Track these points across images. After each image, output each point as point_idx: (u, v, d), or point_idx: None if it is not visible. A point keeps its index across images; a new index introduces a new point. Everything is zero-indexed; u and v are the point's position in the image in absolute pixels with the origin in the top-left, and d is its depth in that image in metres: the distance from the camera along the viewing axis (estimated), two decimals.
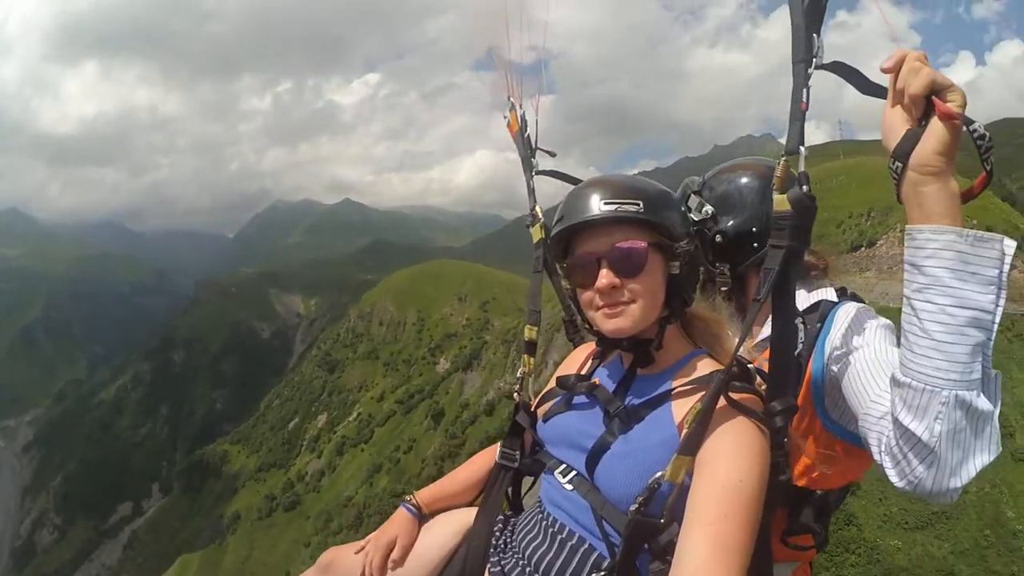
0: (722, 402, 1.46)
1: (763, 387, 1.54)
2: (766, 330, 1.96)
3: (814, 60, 1.43)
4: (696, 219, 2.20)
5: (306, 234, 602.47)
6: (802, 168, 1.46)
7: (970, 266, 1.28)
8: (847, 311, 1.88)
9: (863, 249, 71.05)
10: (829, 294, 2.05)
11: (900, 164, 1.35)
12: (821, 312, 1.91)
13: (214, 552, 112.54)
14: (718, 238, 2.22)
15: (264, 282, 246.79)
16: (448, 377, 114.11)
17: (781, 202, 1.45)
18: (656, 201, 1.61)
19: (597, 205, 1.59)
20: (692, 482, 1.42)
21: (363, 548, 2.03)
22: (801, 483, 1.85)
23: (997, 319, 1.29)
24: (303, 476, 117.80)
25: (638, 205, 1.58)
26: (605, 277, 1.59)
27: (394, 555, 1.96)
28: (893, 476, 1.40)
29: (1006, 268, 1.29)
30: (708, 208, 2.23)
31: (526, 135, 2.41)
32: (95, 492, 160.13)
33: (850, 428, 1.73)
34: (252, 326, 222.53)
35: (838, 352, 1.77)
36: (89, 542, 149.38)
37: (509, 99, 2.42)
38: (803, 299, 2.00)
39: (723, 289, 2.25)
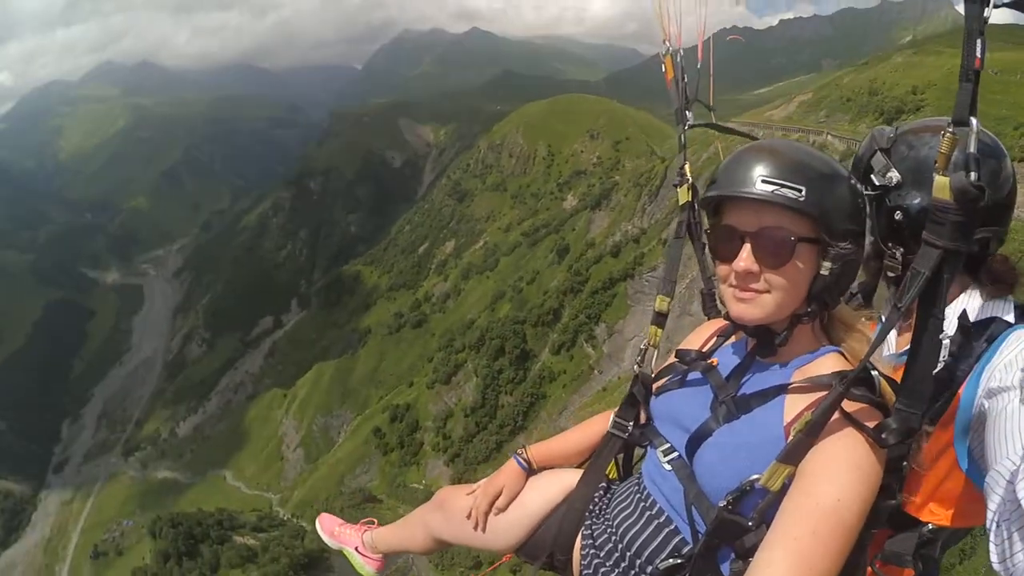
0: (837, 411, 1.36)
1: (890, 400, 1.42)
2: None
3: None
4: (877, 183, 1.85)
5: (434, 64, 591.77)
6: (972, 148, 1.18)
7: None
8: (1020, 337, 1.58)
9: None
10: (1006, 311, 1.71)
11: None
12: (991, 332, 1.62)
13: (346, 362, 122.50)
14: (898, 215, 1.81)
15: (395, 112, 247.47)
16: (575, 214, 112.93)
17: (942, 187, 1.21)
18: (822, 189, 1.45)
19: (755, 180, 1.46)
20: (788, 490, 1.35)
21: (473, 491, 2.13)
22: (912, 510, 1.66)
23: None
24: (430, 297, 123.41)
25: (800, 191, 1.43)
26: (744, 260, 1.50)
27: (499, 503, 2.05)
28: (993, 555, 1.20)
29: None
30: (894, 175, 1.81)
31: (683, 84, 2.20)
32: (239, 308, 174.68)
33: (981, 464, 1.50)
34: (384, 155, 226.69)
35: (994, 385, 1.49)
36: (234, 352, 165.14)
37: (665, 42, 2.20)
38: (974, 308, 1.73)
39: (889, 275, 1.88)
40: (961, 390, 1.55)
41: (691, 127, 2.24)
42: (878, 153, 1.85)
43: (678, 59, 2.19)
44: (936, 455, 1.56)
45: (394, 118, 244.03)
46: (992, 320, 1.65)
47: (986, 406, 1.48)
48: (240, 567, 67.73)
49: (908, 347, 1.35)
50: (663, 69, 2.23)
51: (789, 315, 1.54)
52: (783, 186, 1.43)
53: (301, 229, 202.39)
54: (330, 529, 2.79)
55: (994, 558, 1.15)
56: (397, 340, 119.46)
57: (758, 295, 1.51)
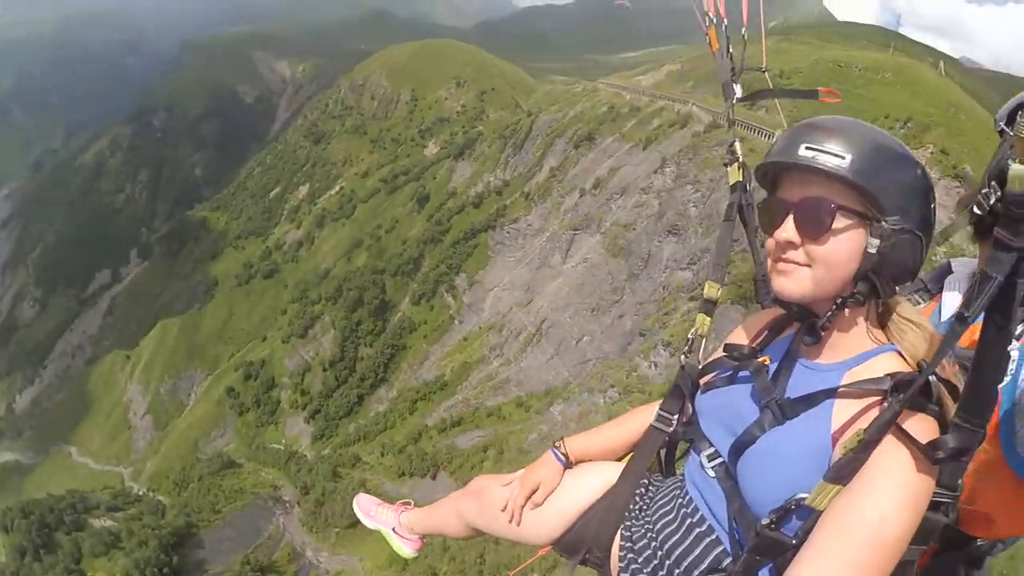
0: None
1: (949, 408, 1.33)
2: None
3: None
4: (1019, 122, 1.58)
5: None
6: None
7: None
8: None
9: None
10: None
11: None
12: None
13: (193, 317, 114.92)
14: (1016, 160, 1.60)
15: (250, 44, 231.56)
16: (437, 163, 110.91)
17: (1019, 178, 1.07)
18: (871, 158, 1.36)
19: (799, 147, 1.41)
20: (833, 501, 1.31)
21: (510, 483, 2.11)
22: (966, 527, 1.60)
23: None
24: (281, 245, 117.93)
25: (843, 159, 1.36)
26: (785, 230, 1.44)
27: (536, 497, 2.02)
28: None
29: None
30: None
31: (729, 55, 2.10)
32: (74, 262, 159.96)
33: None
34: (235, 90, 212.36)
35: None
36: (69, 312, 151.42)
37: (708, 13, 2.12)
38: None
39: (975, 211, 1.61)
40: (1000, 386, 1.39)
41: (739, 101, 2.10)
42: None
43: (723, 30, 2.07)
44: (981, 463, 1.45)
45: (249, 50, 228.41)
46: None
47: None
48: (105, 555, 62.14)
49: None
50: (708, 41, 2.12)
51: (832, 297, 1.44)
52: (826, 153, 1.37)
53: (141, 170, 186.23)
54: (367, 510, 2.72)
55: None
56: (247, 292, 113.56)
57: (798, 268, 1.44)
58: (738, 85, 2.11)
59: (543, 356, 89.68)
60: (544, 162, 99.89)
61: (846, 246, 1.39)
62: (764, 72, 2.21)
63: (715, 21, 2.12)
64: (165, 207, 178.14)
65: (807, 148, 1.39)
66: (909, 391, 1.27)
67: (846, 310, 1.46)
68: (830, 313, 1.45)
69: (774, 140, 1.47)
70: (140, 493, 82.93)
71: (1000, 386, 1.31)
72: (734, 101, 2.12)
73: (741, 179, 2.10)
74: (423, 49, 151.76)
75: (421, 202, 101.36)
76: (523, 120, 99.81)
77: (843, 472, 1.29)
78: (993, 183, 1.43)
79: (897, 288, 1.44)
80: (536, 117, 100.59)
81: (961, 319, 1.16)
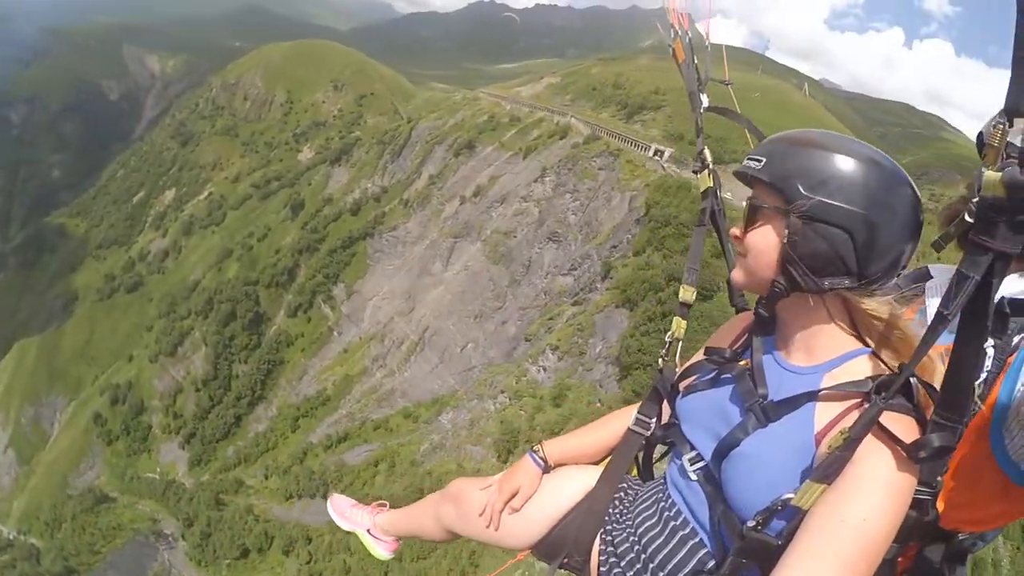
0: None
1: (928, 407, 1.35)
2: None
3: None
4: (1009, 138, 1.62)
5: None
6: None
7: None
8: None
9: None
10: None
11: None
12: None
13: (52, 336, 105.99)
14: (1009, 171, 1.60)
15: (121, 34, 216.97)
16: (312, 168, 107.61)
17: (993, 184, 1.09)
18: (782, 160, 1.49)
19: (745, 159, 1.59)
20: (816, 502, 1.33)
21: (488, 487, 2.11)
22: (947, 523, 1.60)
23: None
24: (145, 255, 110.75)
25: (760, 162, 1.52)
26: (735, 225, 1.61)
27: (514, 502, 2.02)
28: None
29: None
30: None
31: (694, 65, 2.19)
32: None
33: (1015, 457, 1.49)
34: (100, 85, 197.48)
35: None
36: None
37: (673, 26, 2.20)
38: (1015, 286, 1.62)
39: (967, 220, 1.67)
40: (999, 383, 1.46)
41: (706, 110, 2.19)
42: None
43: (687, 41, 2.16)
44: (962, 459, 1.49)
45: (117, 42, 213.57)
46: None
47: None
48: None
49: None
50: (672, 54, 2.22)
51: (767, 284, 1.54)
52: (752, 159, 1.54)
53: None
54: (341, 511, 2.72)
55: None
56: (110, 307, 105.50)
57: (740, 259, 1.59)
58: (704, 95, 2.16)
59: (427, 365, 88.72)
60: (423, 169, 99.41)
61: (765, 238, 1.50)
62: (728, 85, 2.30)
63: (680, 34, 2.16)
64: (20, 212, 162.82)
65: (749, 157, 1.56)
66: (891, 389, 1.30)
67: (810, 305, 1.51)
68: (765, 302, 1.57)
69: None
70: (11, 537, 74.04)
71: (979, 382, 1.38)
72: (702, 110, 2.18)
73: (712, 185, 2.16)
74: (300, 49, 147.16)
75: (295, 209, 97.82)
76: (402, 126, 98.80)
77: (828, 471, 1.31)
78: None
79: (826, 281, 1.45)
80: (416, 124, 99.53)
81: (941, 318, 1.19)
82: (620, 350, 67.09)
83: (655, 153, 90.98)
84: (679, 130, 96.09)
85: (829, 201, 1.40)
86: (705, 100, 2.21)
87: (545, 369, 71.55)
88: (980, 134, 1.75)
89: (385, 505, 2.73)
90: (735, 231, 1.58)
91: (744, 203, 1.57)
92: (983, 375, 1.35)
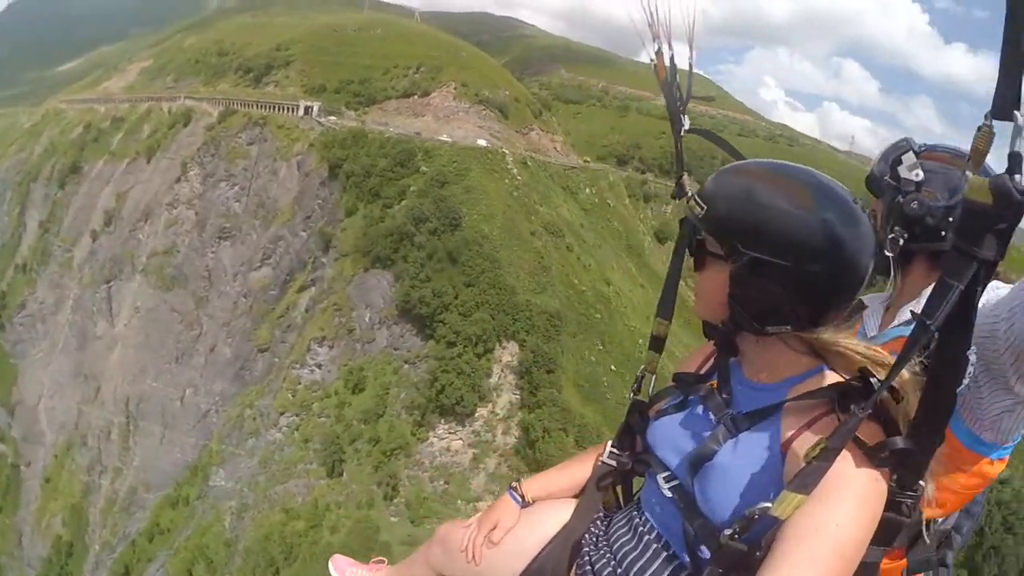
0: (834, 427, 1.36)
1: (892, 412, 1.38)
2: (902, 315, 2.00)
3: None
4: (903, 175, 2.07)
5: None
6: (1018, 146, 1.01)
7: None
8: (995, 284, 1.70)
9: (416, 97, 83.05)
10: None
11: None
12: None
13: None
14: (915, 205, 2.02)
15: None
16: None
17: (979, 189, 1.06)
18: (723, 208, 1.51)
19: (695, 193, 1.63)
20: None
21: (470, 525, 2.13)
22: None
23: None
24: None
25: (703, 209, 1.55)
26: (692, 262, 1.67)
27: (493, 536, 2.03)
28: (1014, 380, 1.33)
29: None
30: (919, 172, 2.03)
31: (675, 84, 2.05)
32: None
33: (978, 432, 1.66)
34: None
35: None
36: None
37: (655, 40, 2.06)
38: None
39: (887, 254, 2.04)
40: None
41: (687, 132, 2.05)
42: (911, 152, 1.96)
43: (669, 57, 2.03)
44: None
45: None
46: None
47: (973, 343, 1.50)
48: None
49: (893, 325, 1.46)
50: (654, 71, 2.07)
51: (719, 322, 1.60)
52: (698, 202, 1.56)
53: None
54: (342, 570, 2.72)
55: (1016, 384, 1.39)
56: None
57: (698, 294, 1.65)
58: (686, 116, 2.02)
59: (153, 440, 74.55)
60: (26, 218, 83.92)
61: (711, 282, 1.56)
62: (711, 100, 2.10)
63: (662, 51, 2.03)
64: None
65: (695, 196, 1.59)
66: (870, 400, 1.30)
67: (768, 340, 1.56)
68: (723, 335, 1.63)
69: None
70: None
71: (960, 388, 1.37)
72: (683, 132, 2.05)
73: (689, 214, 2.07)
74: None
75: None
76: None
77: (807, 481, 1.31)
78: (897, 227, 1.98)
79: (769, 328, 1.51)
80: None
81: (923, 327, 1.18)
82: (397, 304, 63.91)
83: (305, 111, 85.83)
84: (316, 82, 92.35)
85: (764, 257, 1.43)
86: (687, 122, 2.02)
87: (320, 366, 64.13)
88: (879, 173, 2.09)
89: (383, 561, 2.67)
90: (692, 267, 1.63)
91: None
92: (966, 381, 1.37)
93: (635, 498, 1.95)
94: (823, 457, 1.29)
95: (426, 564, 2.28)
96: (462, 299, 57.90)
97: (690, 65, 2.06)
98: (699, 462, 1.55)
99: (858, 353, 1.46)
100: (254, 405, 62.77)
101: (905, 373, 1.33)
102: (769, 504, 1.35)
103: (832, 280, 1.43)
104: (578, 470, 2.13)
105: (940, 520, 1.80)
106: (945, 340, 1.21)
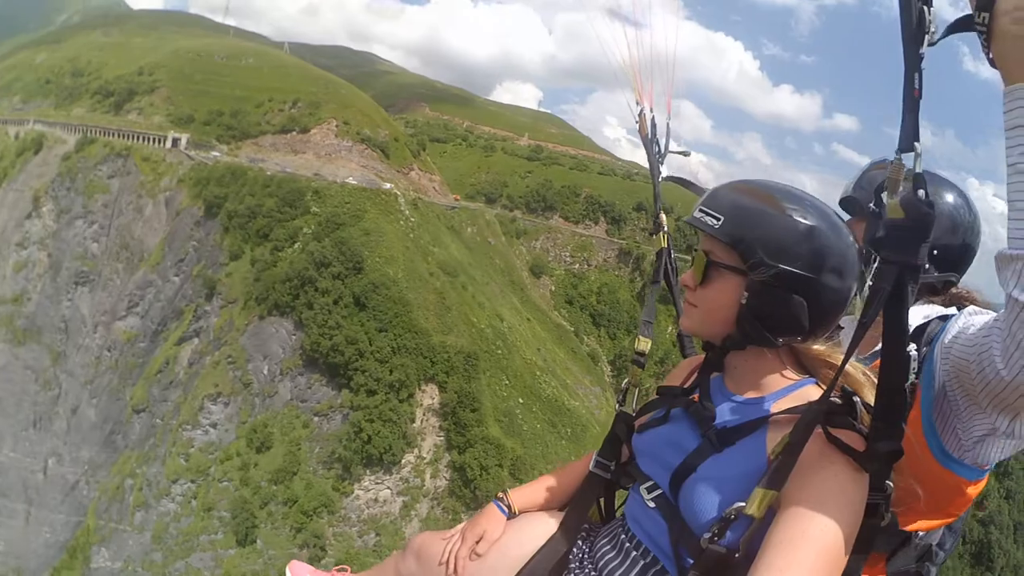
0: (818, 437, 1.39)
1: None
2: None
3: (926, 37, 1.22)
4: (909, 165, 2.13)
5: None
6: (918, 168, 1.26)
7: None
8: (972, 310, 1.74)
9: (295, 133, 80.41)
10: (943, 311, 1.90)
11: (986, 15, 1.20)
12: (929, 332, 1.76)
13: None
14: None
15: None
16: None
17: (894, 208, 1.27)
18: (743, 220, 1.53)
19: (696, 209, 1.62)
20: (773, 521, 1.37)
21: (451, 537, 2.08)
22: (902, 525, 1.69)
23: None
24: None
25: (719, 220, 1.54)
26: (686, 275, 1.66)
27: (479, 548, 1.99)
28: (1004, 371, 1.35)
29: None
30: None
31: (656, 139, 2.46)
32: None
33: (958, 456, 1.67)
34: None
35: (948, 345, 1.64)
36: None
37: (638, 102, 2.47)
38: (913, 317, 1.77)
39: (868, 282, 1.99)
40: (919, 386, 1.62)
41: (665, 180, 2.45)
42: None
43: (649, 118, 2.43)
44: (912, 458, 1.50)
45: None
46: (931, 320, 1.80)
47: (947, 368, 1.61)
48: None
49: (875, 349, 1.44)
50: (638, 128, 2.47)
51: (720, 336, 1.62)
52: (707, 214, 1.56)
53: None
54: None
55: (1004, 371, 1.36)
56: None
57: (691, 308, 1.65)
58: (664, 165, 2.45)
59: (17, 520, 65.39)
60: None
61: (721, 295, 1.57)
62: (687, 155, 2.68)
63: (644, 110, 2.44)
64: None
65: (700, 210, 1.60)
66: (826, 392, 1.40)
67: (759, 350, 1.62)
68: (724, 351, 1.66)
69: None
70: None
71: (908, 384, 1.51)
72: (660, 179, 2.46)
73: (666, 245, 2.39)
74: None
75: None
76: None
77: (775, 477, 1.37)
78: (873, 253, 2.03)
79: (781, 339, 1.58)
80: None
81: (862, 326, 1.32)
82: (303, 354, 60.70)
83: (172, 143, 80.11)
84: (184, 111, 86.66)
85: (790, 269, 1.49)
86: (664, 171, 2.44)
87: (215, 425, 59.06)
88: (849, 195, 2.22)
89: (346, 569, 2.64)
90: (686, 281, 1.66)
91: (695, 253, 1.65)
92: (911, 377, 1.46)
93: (619, 513, 1.97)
94: (788, 452, 1.35)
95: (397, 575, 2.21)
96: (377, 345, 56.12)
97: (667, 126, 2.43)
98: (683, 475, 1.57)
99: (849, 367, 1.49)
100: (136, 474, 56.59)
101: (864, 380, 1.49)
102: (743, 503, 1.39)
103: (839, 292, 1.51)
104: (564, 481, 2.13)
105: (922, 534, 1.80)
106: (885, 339, 1.33)
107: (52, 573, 54.13)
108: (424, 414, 56.29)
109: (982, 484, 1.77)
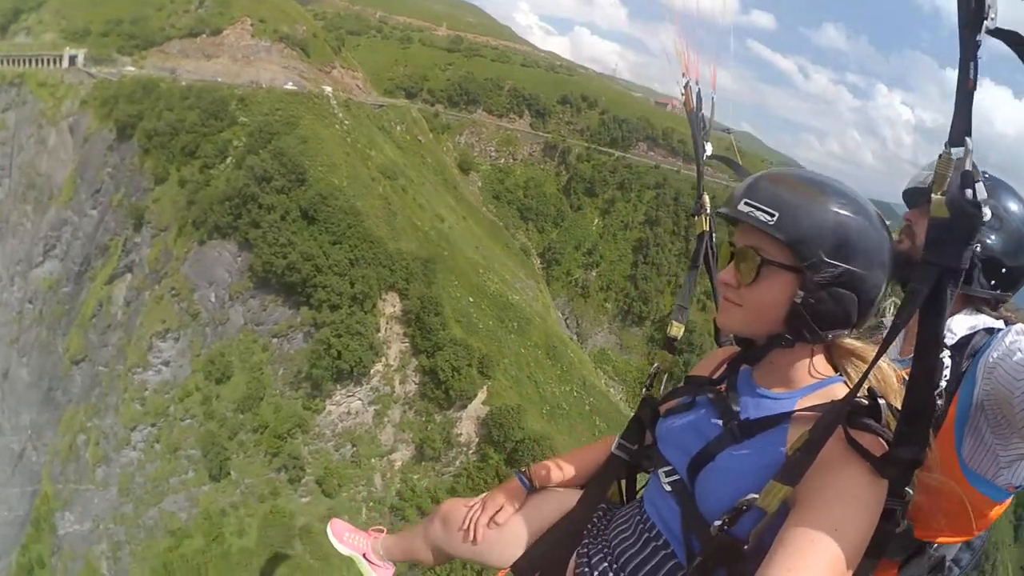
0: (839, 438, 1.38)
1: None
2: None
3: (984, 24, 1.13)
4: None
5: None
6: (968, 166, 1.20)
7: None
8: (1019, 330, 1.70)
9: (205, 36, 72.35)
10: (991, 323, 1.89)
11: None
12: (974, 344, 1.76)
13: None
14: (989, 241, 2.05)
15: None
16: None
17: (939, 207, 1.22)
18: (799, 218, 1.47)
19: (740, 201, 1.55)
20: (787, 518, 1.37)
21: (474, 504, 2.18)
22: (918, 534, 1.66)
23: None
24: None
25: (773, 216, 1.48)
26: (727, 272, 1.59)
27: (498, 517, 2.09)
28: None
29: None
30: (989, 210, 2.16)
31: (701, 114, 2.31)
32: None
33: (987, 474, 1.65)
34: None
35: (992, 364, 1.62)
36: None
37: (684, 74, 2.32)
38: (964, 325, 1.89)
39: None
40: (957, 393, 1.61)
41: (709, 159, 2.34)
42: (981, 184, 1.76)
43: (695, 91, 2.28)
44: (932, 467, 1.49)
45: None
46: (976, 333, 1.79)
47: (988, 389, 1.59)
48: None
49: (912, 354, 1.42)
50: (682, 102, 2.34)
51: (766, 335, 1.58)
52: (758, 209, 1.49)
53: None
54: (340, 535, 2.79)
55: None
56: None
57: (733, 307, 1.59)
58: (708, 143, 2.27)
59: None
60: None
61: (772, 294, 1.51)
62: (728, 133, 2.56)
63: (690, 83, 2.26)
64: None
65: (746, 203, 1.51)
66: (852, 390, 1.38)
67: (797, 348, 1.57)
68: (767, 349, 1.60)
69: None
70: None
71: (956, 395, 1.53)
72: (704, 157, 2.30)
73: (707, 229, 2.27)
74: None
75: None
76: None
77: (791, 472, 1.35)
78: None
79: (830, 334, 1.53)
80: None
81: (895, 326, 1.30)
82: (254, 276, 55.37)
83: (69, 61, 71.00)
84: (77, 25, 76.95)
85: (848, 267, 1.45)
86: (709, 148, 2.28)
87: (167, 363, 54.59)
88: (907, 189, 2.15)
89: (383, 530, 2.76)
90: (728, 279, 1.57)
91: (738, 248, 1.56)
92: (943, 383, 1.38)
93: (638, 496, 1.96)
94: (806, 449, 1.34)
95: (424, 537, 2.32)
96: (334, 259, 52.43)
97: (712, 104, 2.26)
98: (701, 462, 1.58)
99: (884, 365, 1.49)
100: (88, 428, 52.21)
101: (895, 384, 1.47)
102: (756, 495, 1.38)
103: (881, 285, 1.49)
104: (587, 460, 2.16)
105: (936, 546, 1.74)
106: (919, 343, 1.28)
107: (22, 551, 50.12)
108: (388, 322, 54.19)
109: (1006, 505, 1.74)
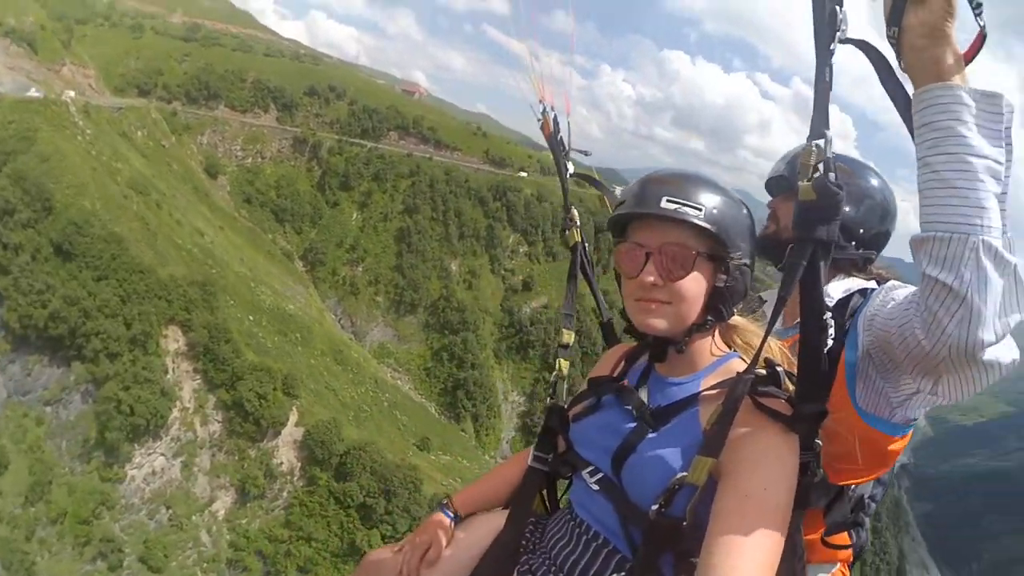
0: (748, 407, 1.47)
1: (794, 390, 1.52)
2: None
3: (837, 34, 1.32)
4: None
5: None
6: (829, 153, 1.33)
7: (979, 117, 1.30)
8: (892, 285, 1.89)
9: None
10: (863, 284, 2.10)
11: (896, 29, 1.33)
12: (852, 305, 1.91)
13: None
14: None
15: None
16: None
17: (807, 191, 1.34)
18: (721, 208, 1.60)
19: (660, 200, 1.60)
20: (717, 490, 1.44)
21: (400, 548, 2.07)
22: (832, 479, 1.77)
23: (1008, 178, 1.33)
24: None
25: (700, 209, 1.58)
26: (649, 274, 1.61)
27: (429, 555, 1.98)
28: (924, 341, 1.45)
29: (1010, 124, 1.32)
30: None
31: (559, 137, 2.42)
32: None
33: (883, 414, 1.81)
34: None
35: (871, 316, 1.79)
36: None
37: (541, 101, 2.41)
38: (836, 290, 2.09)
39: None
40: (843, 353, 1.67)
41: (572, 176, 2.45)
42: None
43: (552, 116, 2.39)
44: (837, 418, 1.62)
45: None
46: (853, 294, 1.96)
47: (869, 339, 1.77)
48: None
49: (796, 322, 1.50)
50: (540, 125, 2.43)
51: (688, 326, 1.65)
52: (685, 205, 1.57)
53: None
54: None
55: (926, 343, 1.45)
56: None
57: (661, 306, 1.62)
58: (570, 162, 2.43)
59: None
60: None
61: (700, 285, 1.60)
62: (588, 155, 2.61)
63: (546, 109, 2.39)
64: None
65: (668, 200, 1.58)
66: (751, 363, 1.49)
67: (701, 333, 1.68)
68: (687, 338, 1.67)
69: (621, 193, 1.80)
70: None
71: (843, 351, 1.62)
72: (568, 175, 2.44)
73: (580, 240, 2.38)
74: None
75: None
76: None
77: (712, 445, 1.44)
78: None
79: (735, 311, 1.71)
80: None
81: (780, 299, 1.42)
82: (10, 335, 46.63)
83: None
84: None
85: (747, 244, 1.66)
86: (571, 167, 2.44)
87: None
88: (769, 179, 2.47)
89: None
90: (654, 279, 1.60)
91: (658, 246, 1.61)
92: (830, 341, 1.48)
93: (565, 501, 2.01)
94: (721, 422, 1.44)
95: None
96: (102, 298, 45.76)
97: (568, 124, 2.38)
98: (624, 455, 1.63)
99: (758, 339, 1.63)
100: None
101: (778, 351, 1.65)
102: (685, 473, 1.46)
103: (754, 263, 1.71)
104: (505, 478, 2.15)
105: (853, 487, 1.98)
106: (802, 308, 1.42)
107: None
108: (174, 360, 49.44)
109: (906, 439, 1.92)
